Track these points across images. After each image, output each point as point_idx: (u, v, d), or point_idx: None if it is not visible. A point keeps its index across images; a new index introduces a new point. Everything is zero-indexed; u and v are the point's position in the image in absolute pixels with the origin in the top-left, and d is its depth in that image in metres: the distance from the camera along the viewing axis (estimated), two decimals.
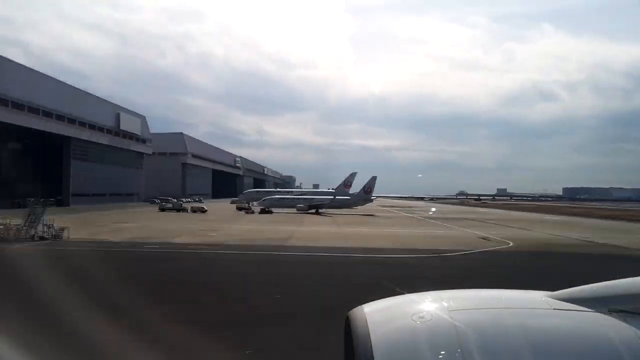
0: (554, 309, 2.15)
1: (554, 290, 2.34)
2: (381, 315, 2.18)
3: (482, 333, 1.97)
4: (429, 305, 2.18)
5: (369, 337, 1.96)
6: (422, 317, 2.06)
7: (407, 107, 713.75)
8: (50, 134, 76.52)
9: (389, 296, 2.45)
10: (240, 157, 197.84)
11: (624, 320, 2.00)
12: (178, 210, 74.64)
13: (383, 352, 1.89)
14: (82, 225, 39.00)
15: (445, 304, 2.16)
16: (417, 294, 2.40)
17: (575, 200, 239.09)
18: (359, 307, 2.25)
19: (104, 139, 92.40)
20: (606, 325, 2.00)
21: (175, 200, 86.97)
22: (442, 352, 1.86)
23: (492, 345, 1.92)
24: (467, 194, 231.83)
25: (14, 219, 31.32)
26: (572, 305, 2.14)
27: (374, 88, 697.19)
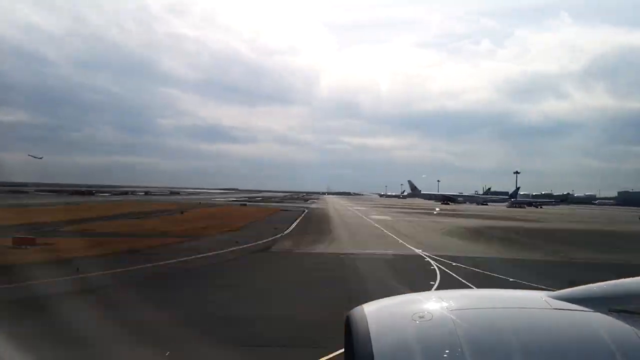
0: (554, 309, 2.15)
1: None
2: (381, 315, 2.19)
3: (482, 333, 1.98)
4: (429, 305, 2.18)
5: (369, 337, 1.96)
6: (422, 317, 2.06)
7: (400, 103, 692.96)
8: None
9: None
10: None
11: (624, 320, 2.00)
12: None
13: (383, 352, 1.89)
14: None
15: (446, 304, 2.17)
16: (418, 293, 2.41)
17: None
18: (359, 306, 2.25)
19: None
20: (606, 325, 2.00)
21: None
22: (442, 352, 1.86)
23: (492, 345, 1.92)
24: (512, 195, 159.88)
25: None
26: (572, 305, 2.15)
27: (366, 82, 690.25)
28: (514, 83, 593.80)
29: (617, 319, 2.02)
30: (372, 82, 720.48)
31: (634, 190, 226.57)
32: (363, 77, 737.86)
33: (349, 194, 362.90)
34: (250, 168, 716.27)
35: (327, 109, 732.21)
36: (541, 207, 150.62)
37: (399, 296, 2.44)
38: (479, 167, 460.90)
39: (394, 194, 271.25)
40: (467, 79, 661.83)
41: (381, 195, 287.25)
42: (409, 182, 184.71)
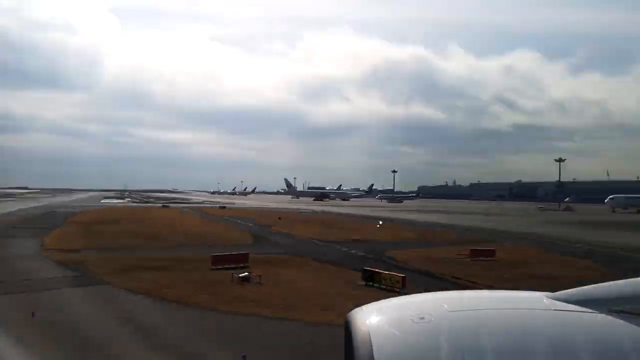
0: (554, 309, 2.15)
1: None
2: (381, 316, 2.17)
3: (482, 334, 1.97)
4: (428, 306, 2.18)
5: (369, 338, 1.95)
6: (422, 318, 2.05)
7: (197, 97, 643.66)
8: None
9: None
10: None
11: (624, 321, 2.00)
12: None
13: (383, 353, 1.89)
14: None
15: (445, 305, 2.17)
16: (417, 294, 2.41)
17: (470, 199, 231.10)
18: (359, 308, 2.24)
19: None
20: (606, 325, 2.00)
21: None
22: (442, 353, 1.86)
23: (492, 346, 1.91)
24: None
25: None
26: (572, 305, 2.14)
27: (160, 73, 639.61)
28: (305, 84, 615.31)
29: (617, 319, 2.02)
30: (166, 73, 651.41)
31: (431, 185, 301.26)
32: (156, 67, 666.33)
33: (169, 191, 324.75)
34: (14, 162, 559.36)
35: (115, 98, 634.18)
36: (402, 202, 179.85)
37: (399, 297, 2.45)
38: (279, 164, 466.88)
39: (229, 190, 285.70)
40: (264, 78, 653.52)
41: (212, 193, 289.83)
42: (285, 179, 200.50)
